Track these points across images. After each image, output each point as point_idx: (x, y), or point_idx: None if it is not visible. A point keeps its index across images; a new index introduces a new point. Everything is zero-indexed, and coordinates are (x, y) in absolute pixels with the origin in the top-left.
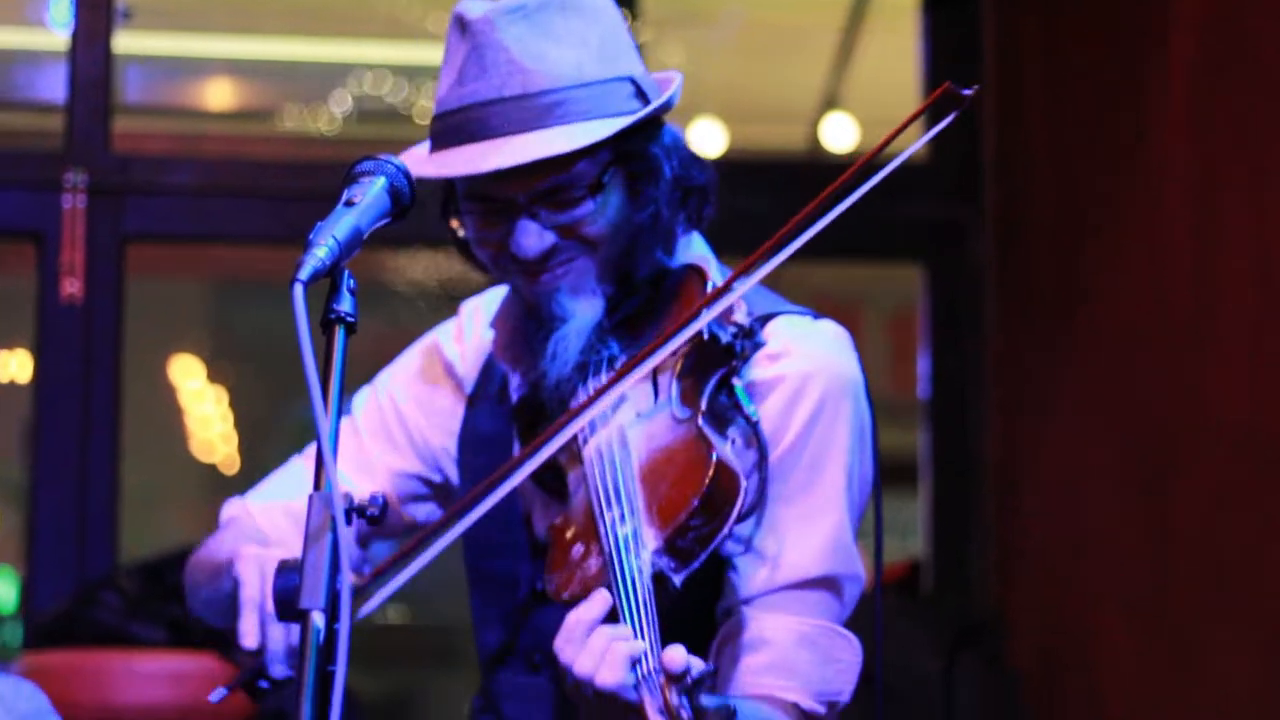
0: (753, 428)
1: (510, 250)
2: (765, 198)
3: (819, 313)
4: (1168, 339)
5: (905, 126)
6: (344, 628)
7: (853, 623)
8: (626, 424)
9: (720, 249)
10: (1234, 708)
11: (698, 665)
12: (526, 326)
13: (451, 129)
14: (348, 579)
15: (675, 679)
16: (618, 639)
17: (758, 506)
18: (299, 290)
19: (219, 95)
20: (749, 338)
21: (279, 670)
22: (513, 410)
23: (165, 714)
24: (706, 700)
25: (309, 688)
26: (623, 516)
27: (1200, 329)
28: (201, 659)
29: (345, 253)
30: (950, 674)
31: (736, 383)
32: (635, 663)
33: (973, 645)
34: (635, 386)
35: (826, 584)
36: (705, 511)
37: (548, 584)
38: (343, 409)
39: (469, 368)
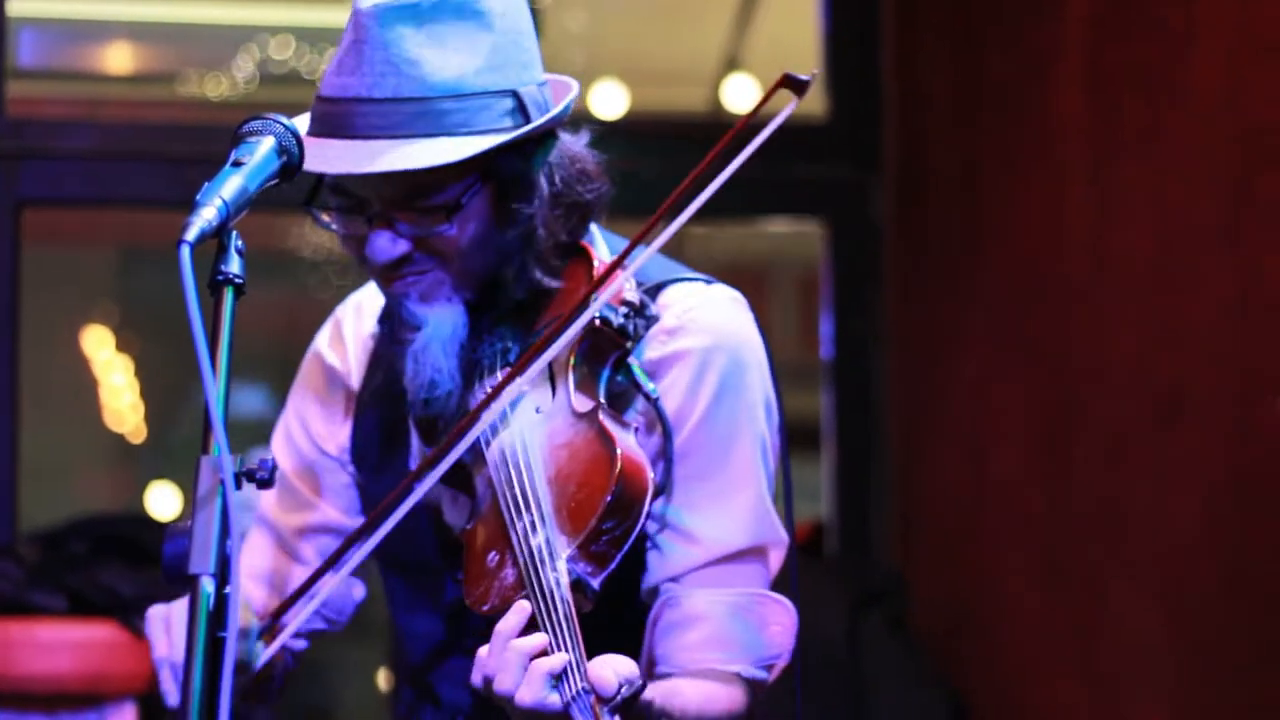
0: (654, 405)
1: (365, 253)
2: (666, 160)
3: (713, 277)
4: (1066, 293)
5: (748, 120)
6: (234, 592)
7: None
8: (528, 423)
9: (621, 213)
10: (1134, 659)
11: (626, 676)
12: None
13: (321, 117)
14: (237, 542)
15: (605, 700)
16: (537, 657)
17: (667, 486)
18: (186, 252)
19: (119, 60)
20: (641, 314)
21: None
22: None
23: (67, 683)
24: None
25: (199, 654)
26: (534, 526)
27: (1097, 283)
28: (102, 627)
29: (233, 214)
30: (854, 635)
31: (633, 362)
32: (560, 679)
33: (876, 606)
34: (534, 383)
35: (752, 554)
36: (616, 513)
37: (467, 596)
38: (232, 376)
39: (353, 366)
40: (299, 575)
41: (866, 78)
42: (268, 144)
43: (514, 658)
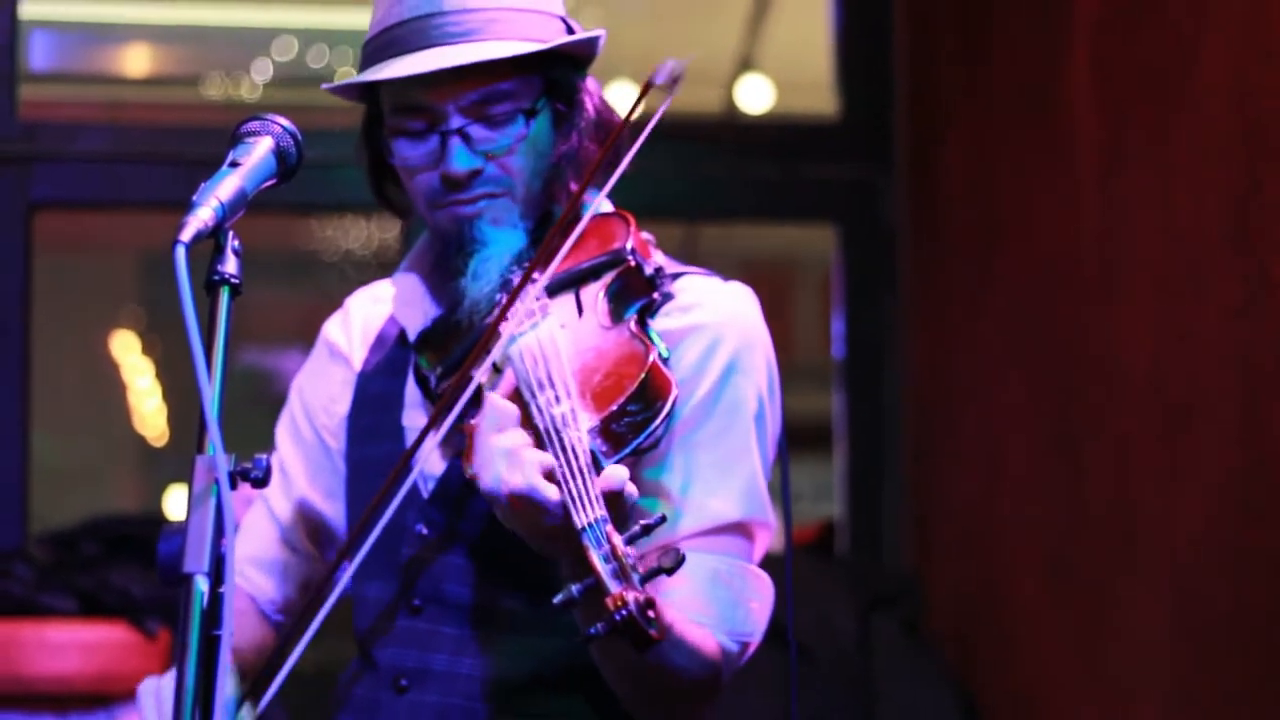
0: (665, 366)
1: (440, 171)
2: (680, 160)
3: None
4: (1077, 296)
5: (623, 126)
6: (228, 591)
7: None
8: (554, 330)
9: (634, 209)
10: (1146, 662)
11: (643, 509)
12: (444, 260)
13: (384, 45)
14: (231, 541)
15: (613, 505)
16: (525, 446)
17: (663, 442)
18: (181, 252)
19: (138, 62)
20: (664, 277)
21: None
22: (415, 343)
23: (77, 684)
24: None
25: (192, 653)
26: (557, 398)
27: (1108, 285)
28: (113, 628)
29: (229, 214)
30: (866, 635)
31: (650, 324)
32: (575, 512)
33: (888, 606)
34: (559, 303)
35: (739, 529)
36: (640, 399)
37: (468, 469)
38: (227, 378)
39: (356, 346)
40: (294, 563)
41: (878, 78)
42: (265, 144)
43: (500, 448)
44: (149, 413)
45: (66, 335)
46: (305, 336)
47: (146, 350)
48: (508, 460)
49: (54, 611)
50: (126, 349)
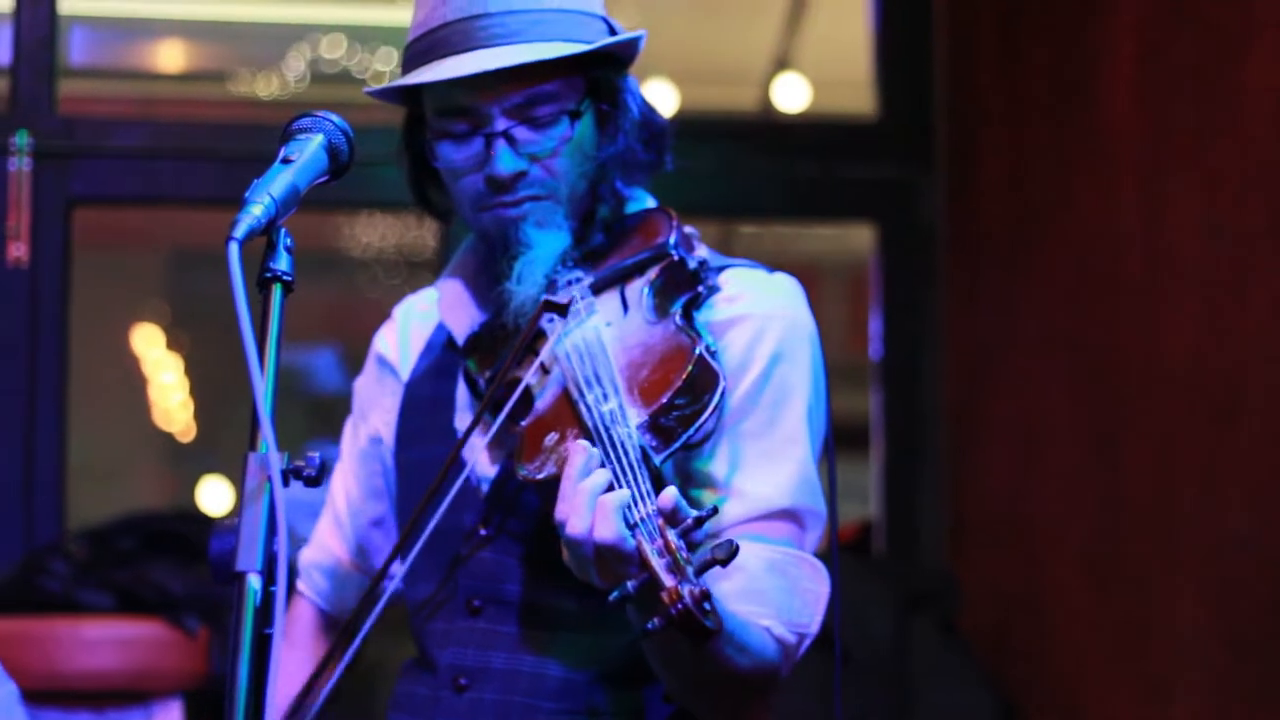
0: (712, 359)
1: (484, 174)
2: (717, 159)
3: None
4: (1118, 295)
5: None
6: (280, 590)
7: None
8: (599, 327)
9: (672, 207)
10: (1184, 660)
11: (693, 510)
12: (489, 264)
13: (428, 48)
14: (284, 541)
15: (671, 520)
16: (603, 493)
17: (714, 434)
18: (234, 249)
19: (170, 58)
20: (709, 270)
21: None
22: (463, 347)
23: (113, 680)
24: (703, 539)
25: (245, 651)
26: (605, 395)
27: (1150, 283)
28: (150, 625)
29: (282, 211)
30: (902, 635)
31: (697, 316)
32: (628, 508)
33: (925, 606)
34: (604, 301)
35: (790, 516)
36: (688, 393)
37: (520, 470)
38: (280, 372)
39: (404, 355)
40: (354, 574)
41: (917, 77)
42: (317, 141)
43: (582, 498)
44: (173, 407)
45: (96, 331)
46: (334, 334)
47: (172, 345)
48: (599, 511)
49: (91, 608)
50: (151, 344)
